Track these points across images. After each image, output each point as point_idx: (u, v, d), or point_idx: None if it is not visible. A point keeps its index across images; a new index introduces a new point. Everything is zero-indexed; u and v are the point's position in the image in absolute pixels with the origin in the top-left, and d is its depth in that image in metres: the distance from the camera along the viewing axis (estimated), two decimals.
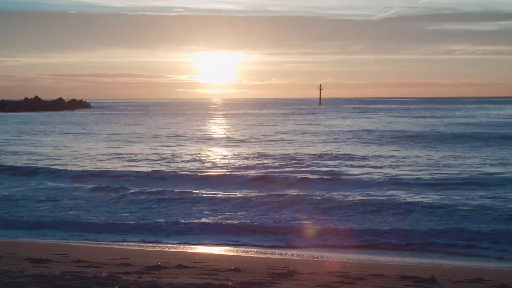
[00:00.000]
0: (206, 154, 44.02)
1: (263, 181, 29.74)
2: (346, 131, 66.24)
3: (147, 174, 32.59)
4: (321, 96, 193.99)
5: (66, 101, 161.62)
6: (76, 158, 41.38)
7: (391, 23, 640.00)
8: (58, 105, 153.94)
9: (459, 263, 15.52)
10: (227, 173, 32.47)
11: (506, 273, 13.90)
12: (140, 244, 18.04)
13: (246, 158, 40.57)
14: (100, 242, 18.34)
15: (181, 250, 16.67)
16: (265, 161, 38.40)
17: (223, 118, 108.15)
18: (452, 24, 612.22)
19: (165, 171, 33.82)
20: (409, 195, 25.28)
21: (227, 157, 41.90)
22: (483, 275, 12.10)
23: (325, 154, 41.58)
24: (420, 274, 11.81)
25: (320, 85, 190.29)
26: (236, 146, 50.34)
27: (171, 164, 37.50)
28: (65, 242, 17.95)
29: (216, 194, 25.95)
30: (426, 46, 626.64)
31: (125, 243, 18.22)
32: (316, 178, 30.16)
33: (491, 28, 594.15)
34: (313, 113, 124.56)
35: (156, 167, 35.90)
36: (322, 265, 14.15)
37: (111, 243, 18.22)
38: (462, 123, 79.40)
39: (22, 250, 14.71)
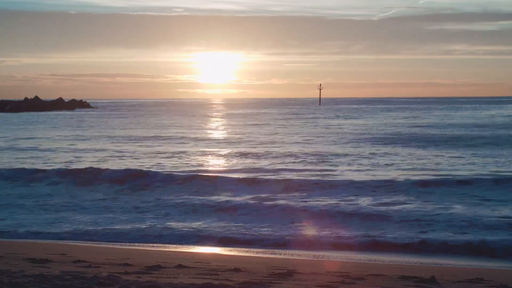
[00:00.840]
0: (203, 154, 43.98)
1: (258, 182, 29.48)
2: (345, 132, 66.24)
3: (141, 175, 32.25)
4: (321, 96, 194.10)
5: (66, 101, 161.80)
6: (73, 157, 41.35)
7: (391, 23, 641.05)
8: (58, 105, 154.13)
9: (459, 263, 15.53)
10: (222, 175, 32.27)
11: (506, 273, 13.91)
12: (140, 244, 18.02)
13: (243, 158, 40.55)
14: (100, 242, 18.31)
15: (181, 250, 16.66)
16: (263, 162, 38.38)
17: (221, 119, 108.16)
18: (452, 24, 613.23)
19: (160, 171, 33.61)
20: (407, 196, 25.27)
21: (223, 157, 41.86)
22: (483, 275, 12.10)
23: (324, 155, 41.56)
24: (420, 274, 11.81)
25: (320, 85, 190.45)
26: (234, 146, 50.27)
27: (166, 165, 37.47)
28: (65, 242, 17.94)
29: (212, 197, 25.91)
30: (426, 46, 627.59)
31: (127, 243, 18.18)
32: (314, 179, 30.08)
33: (491, 28, 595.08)
34: (313, 113, 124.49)
35: (151, 167, 35.84)
36: (322, 265, 14.15)
37: (111, 243, 18.19)
38: (462, 123, 79.44)
39: (22, 250, 14.71)
